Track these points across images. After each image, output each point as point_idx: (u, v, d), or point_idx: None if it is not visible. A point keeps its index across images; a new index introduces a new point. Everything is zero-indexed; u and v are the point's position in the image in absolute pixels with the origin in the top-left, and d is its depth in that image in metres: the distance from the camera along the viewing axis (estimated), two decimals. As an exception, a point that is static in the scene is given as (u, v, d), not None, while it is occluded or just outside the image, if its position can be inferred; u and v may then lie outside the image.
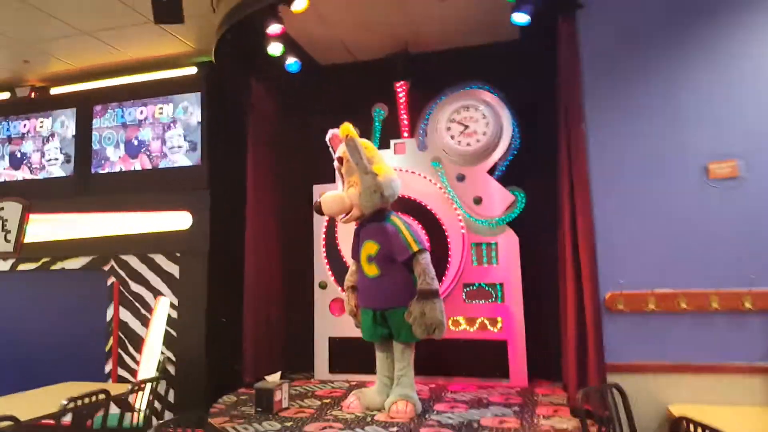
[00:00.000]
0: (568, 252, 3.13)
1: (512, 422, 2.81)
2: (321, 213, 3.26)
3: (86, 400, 3.00)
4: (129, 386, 3.37)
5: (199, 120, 4.56)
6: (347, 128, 3.12)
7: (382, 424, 2.88)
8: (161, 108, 4.71)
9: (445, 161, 3.93)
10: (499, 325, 3.71)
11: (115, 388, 3.74)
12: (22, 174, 5.10)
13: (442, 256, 3.78)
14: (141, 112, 4.79)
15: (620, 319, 3.05)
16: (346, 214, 3.19)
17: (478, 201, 3.84)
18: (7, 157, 5.21)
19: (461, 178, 3.89)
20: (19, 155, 5.14)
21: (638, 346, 3.01)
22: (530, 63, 3.73)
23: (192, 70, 4.63)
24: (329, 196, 3.20)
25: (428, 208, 3.90)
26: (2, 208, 4.99)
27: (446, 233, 3.86)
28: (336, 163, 3.30)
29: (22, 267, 4.92)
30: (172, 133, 4.65)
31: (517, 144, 3.84)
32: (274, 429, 2.83)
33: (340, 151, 3.24)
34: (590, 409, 2.59)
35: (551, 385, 3.57)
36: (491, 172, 3.86)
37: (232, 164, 4.27)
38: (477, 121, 3.84)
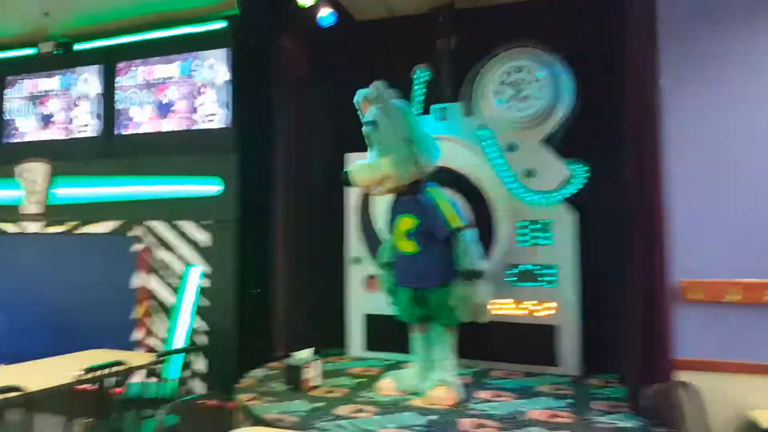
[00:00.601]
0: (637, 231, 2.81)
1: (565, 417, 2.62)
2: (350, 184, 3.00)
3: (105, 371, 2.94)
4: (152, 356, 3.27)
5: (227, 79, 4.29)
6: (378, 87, 2.83)
7: (420, 410, 2.73)
8: (187, 65, 4.46)
9: (494, 129, 3.61)
10: (551, 309, 3.47)
11: (141, 358, 3.65)
12: (51, 134, 4.97)
13: (488, 234, 3.52)
14: (166, 70, 4.55)
15: (694, 310, 2.72)
16: (378, 186, 2.91)
17: (530, 173, 3.54)
18: (33, 116, 5.07)
19: (512, 147, 3.60)
20: (48, 113, 5.00)
21: (714, 341, 2.68)
22: (593, 19, 3.39)
23: (220, 24, 4.33)
24: (359, 165, 2.93)
25: (473, 180, 3.63)
26: (29, 170, 4.88)
27: (493, 209, 3.58)
28: (366, 128, 2.98)
29: (49, 230, 4.84)
30: (198, 91, 4.41)
31: (576, 110, 3.48)
32: (302, 410, 2.71)
33: (371, 114, 2.93)
34: (656, 408, 2.35)
35: (606, 376, 3.34)
36: (546, 141, 3.54)
37: (262, 126, 4.05)
38: (531, 84, 3.54)
